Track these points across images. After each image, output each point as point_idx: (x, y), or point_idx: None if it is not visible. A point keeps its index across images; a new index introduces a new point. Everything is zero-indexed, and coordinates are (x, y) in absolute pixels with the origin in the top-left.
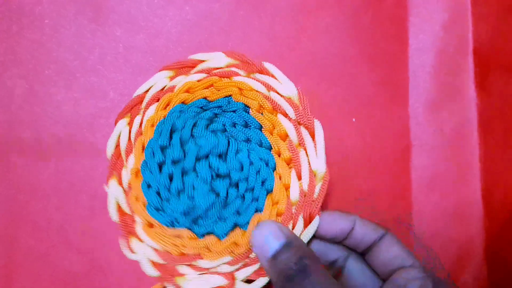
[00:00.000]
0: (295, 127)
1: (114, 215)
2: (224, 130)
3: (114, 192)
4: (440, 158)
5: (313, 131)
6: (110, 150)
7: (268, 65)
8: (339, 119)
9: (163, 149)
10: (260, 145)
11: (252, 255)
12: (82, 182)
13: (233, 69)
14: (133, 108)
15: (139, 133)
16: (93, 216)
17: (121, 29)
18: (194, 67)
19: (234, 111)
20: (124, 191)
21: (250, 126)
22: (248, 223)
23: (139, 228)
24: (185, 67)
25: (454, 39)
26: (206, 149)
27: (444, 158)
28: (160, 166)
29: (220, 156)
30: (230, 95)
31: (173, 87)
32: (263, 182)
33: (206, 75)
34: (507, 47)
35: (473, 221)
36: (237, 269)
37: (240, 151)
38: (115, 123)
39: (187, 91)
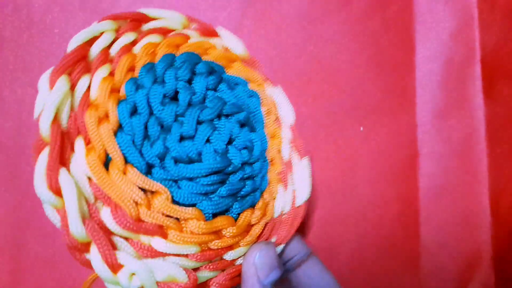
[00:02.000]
0: (290, 146)
1: (46, 127)
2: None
3: (59, 93)
4: (448, 166)
5: (302, 158)
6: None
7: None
8: (347, 127)
9: (176, 79)
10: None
11: (228, 256)
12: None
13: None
14: (73, 65)
15: (87, 102)
16: None
17: None
18: (144, 22)
19: (251, 96)
20: (71, 102)
21: (258, 119)
22: (238, 214)
23: (77, 158)
24: (133, 21)
25: (461, 47)
26: (232, 108)
27: (452, 166)
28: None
29: (240, 124)
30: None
31: (128, 46)
32: (261, 178)
33: (162, 37)
34: None
35: (481, 229)
36: (196, 268)
37: (254, 131)
38: (51, 83)
39: (152, 53)
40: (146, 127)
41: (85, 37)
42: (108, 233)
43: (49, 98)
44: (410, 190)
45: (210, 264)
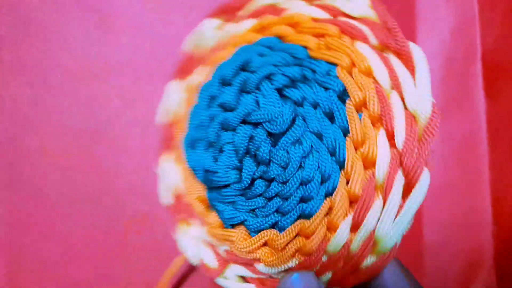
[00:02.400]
0: (392, 163)
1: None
2: (295, 105)
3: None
4: (449, 166)
5: (413, 185)
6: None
7: None
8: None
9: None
10: (330, 154)
11: (274, 274)
12: (87, 190)
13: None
14: (183, 69)
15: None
16: (97, 224)
17: (127, 37)
18: (241, 8)
19: (326, 89)
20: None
21: (335, 121)
22: (287, 227)
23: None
24: (233, 11)
25: (462, 45)
26: (260, 115)
27: (453, 166)
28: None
29: (271, 135)
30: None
31: (226, 43)
32: (301, 199)
33: (257, 19)
34: None
35: (483, 229)
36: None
37: (304, 145)
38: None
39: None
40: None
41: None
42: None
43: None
44: None
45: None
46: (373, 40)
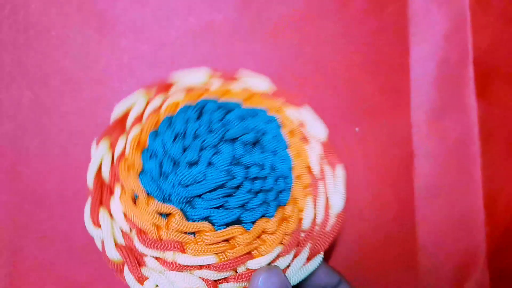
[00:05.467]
0: (320, 161)
1: (90, 180)
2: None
3: (101, 154)
4: (442, 167)
5: (335, 168)
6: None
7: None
8: (342, 128)
9: (186, 122)
10: (282, 161)
11: (252, 265)
12: (86, 191)
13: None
14: (113, 130)
15: (122, 156)
16: None
17: (126, 40)
18: (171, 86)
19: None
20: (112, 158)
21: (280, 142)
22: (252, 222)
23: (116, 198)
24: (161, 88)
25: (455, 48)
26: (235, 133)
27: (447, 167)
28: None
29: (245, 147)
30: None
31: (158, 108)
32: (278, 193)
33: (185, 93)
34: (507, 57)
35: (476, 230)
36: (219, 281)
37: (266, 151)
38: (96, 146)
39: (174, 109)
40: (162, 166)
41: (123, 108)
42: (141, 255)
43: (93, 158)
44: (405, 190)
45: (234, 275)
46: (279, 100)
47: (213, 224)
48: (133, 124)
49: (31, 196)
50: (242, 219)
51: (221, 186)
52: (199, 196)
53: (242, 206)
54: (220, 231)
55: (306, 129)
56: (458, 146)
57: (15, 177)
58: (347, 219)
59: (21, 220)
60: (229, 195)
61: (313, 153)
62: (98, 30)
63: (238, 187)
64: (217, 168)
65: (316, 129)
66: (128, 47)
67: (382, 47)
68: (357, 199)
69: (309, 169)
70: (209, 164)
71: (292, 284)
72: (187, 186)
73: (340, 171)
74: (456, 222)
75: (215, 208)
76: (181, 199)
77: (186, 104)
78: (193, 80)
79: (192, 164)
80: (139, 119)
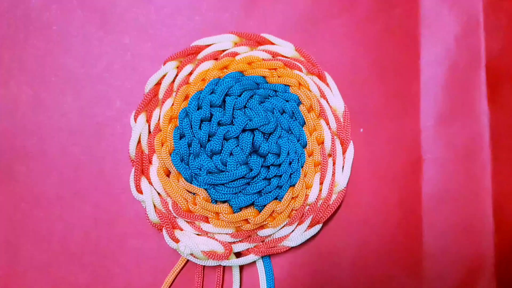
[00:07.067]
0: (332, 138)
1: (132, 150)
2: (272, 113)
3: (139, 127)
4: (451, 172)
5: (346, 147)
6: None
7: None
8: (350, 130)
9: (212, 106)
10: (298, 140)
11: (261, 233)
12: (85, 192)
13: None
14: (148, 103)
15: (158, 129)
16: (96, 227)
17: (129, 37)
18: (198, 52)
19: (287, 101)
20: (149, 130)
21: (296, 119)
22: (264, 206)
23: (153, 170)
24: (189, 55)
25: (466, 52)
26: (256, 123)
27: (455, 172)
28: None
29: (264, 135)
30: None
31: (187, 76)
32: (290, 174)
33: (214, 61)
34: None
35: (484, 236)
36: (234, 242)
37: (283, 138)
38: (135, 120)
39: (203, 80)
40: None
41: (155, 80)
42: (174, 217)
43: (133, 131)
44: (412, 195)
45: (246, 239)
46: (304, 69)
47: (231, 206)
48: (165, 97)
49: (29, 195)
50: (256, 202)
51: (241, 177)
52: (222, 184)
53: (258, 192)
54: (236, 213)
55: (326, 101)
56: (467, 152)
57: (12, 175)
58: (351, 224)
59: (19, 220)
60: (247, 184)
61: (327, 129)
62: (101, 26)
63: (254, 176)
64: (238, 160)
65: (335, 101)
66: (131, 44)
67: (391, 50)
68: (363, 204)
69: (321, 145)
70: (231, 154)
71: (293, 245)
72: (210, 173)
73: (350, 149)
74: (464, 230)
75: (233, 194)
76: (205, 182)
77: (214, 79)
78: (219, 46)
79: (216, 153)
80: (170, 91)
